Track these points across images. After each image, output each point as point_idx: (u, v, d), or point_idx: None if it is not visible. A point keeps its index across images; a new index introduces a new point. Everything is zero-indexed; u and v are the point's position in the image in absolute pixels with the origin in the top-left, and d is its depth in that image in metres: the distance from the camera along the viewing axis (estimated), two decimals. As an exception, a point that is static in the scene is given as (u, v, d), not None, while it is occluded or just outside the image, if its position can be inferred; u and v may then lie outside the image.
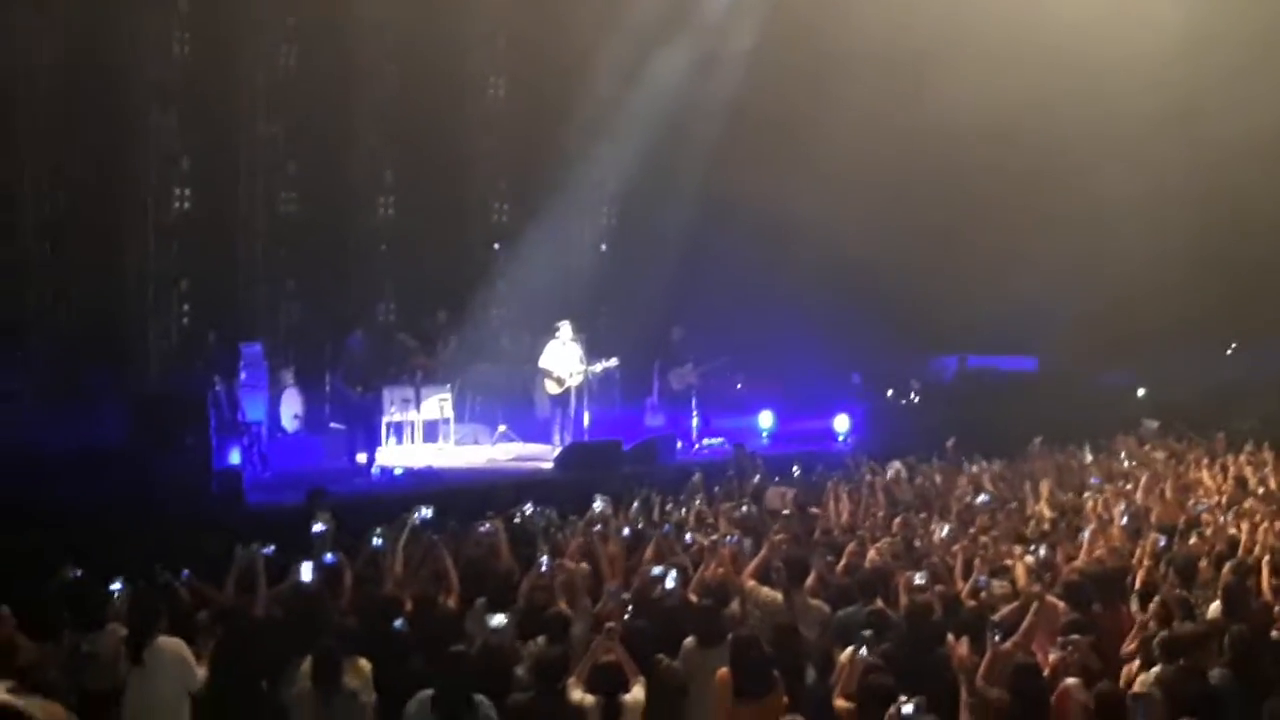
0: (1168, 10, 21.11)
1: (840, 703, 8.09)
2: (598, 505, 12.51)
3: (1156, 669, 8.13)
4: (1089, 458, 17.64)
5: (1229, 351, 25.44)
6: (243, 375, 17.01)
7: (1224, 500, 14.09)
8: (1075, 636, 8.44)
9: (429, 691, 7.63)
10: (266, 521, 12.64)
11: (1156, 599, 9.37)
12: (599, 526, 11.63)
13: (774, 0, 22.14)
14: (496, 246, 22.33)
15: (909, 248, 21.57)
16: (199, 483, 14.21)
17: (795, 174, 22.12)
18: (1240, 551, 11.03)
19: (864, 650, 8.20)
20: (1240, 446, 17.92)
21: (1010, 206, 22.32)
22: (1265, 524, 11.94)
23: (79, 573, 9.23)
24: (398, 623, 8.93)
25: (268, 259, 20.69)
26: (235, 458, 15.50)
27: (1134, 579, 10.46)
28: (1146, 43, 20.94)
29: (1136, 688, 8.04)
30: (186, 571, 9.58)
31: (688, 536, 11.69)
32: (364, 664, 8.13)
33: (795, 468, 16.16)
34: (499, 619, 8.73)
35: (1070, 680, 8.01)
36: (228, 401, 16.05)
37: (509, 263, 21.55)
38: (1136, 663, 8.55)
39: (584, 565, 10.42)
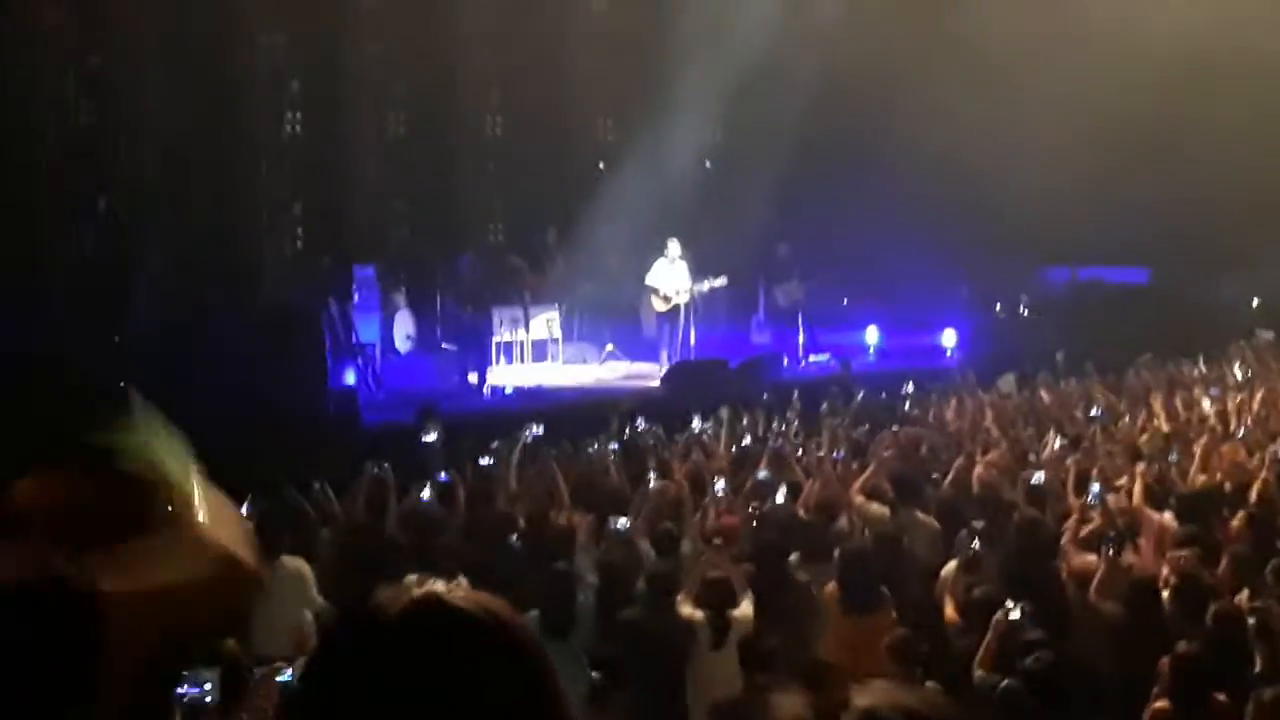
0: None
1: (949, 613, 8.13)
2: (696, 425, 12.64)
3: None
4: (1203, 370, 17.36)
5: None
6: (356, 297, 17.31)
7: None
8: (1184, 551, 8.38)
9: (534, 612, 7.76)
10: (381, 440, 12.91)
11: (1243, 514, 9.24)
12: (701, 442, 11.79)
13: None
14: (602, 165, 22.34)
15: (1018, 158, 21.19)
16: (316, 403, 14.50)
17: (902, 85, 21.83)
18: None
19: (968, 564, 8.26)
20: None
21: (1121, 116, 21.81)
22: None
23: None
24: (512, 539, 9.11)
25: (378, 181, 20.93)
26: (350, 378, 15.80)
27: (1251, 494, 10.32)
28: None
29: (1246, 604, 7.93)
30: (317, 484, 9.83)
31: (796, 452, 11.77)
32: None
33: (909, 384, 16.06)
34: (623, 521, 8.90)
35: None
36: (342, 323, 16.33)
37: (615, 181, 21.55)
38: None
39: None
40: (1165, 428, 13.09)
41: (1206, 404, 14.45)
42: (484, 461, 10.90)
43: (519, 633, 1.73)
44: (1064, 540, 9.16)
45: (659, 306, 18.77)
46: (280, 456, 11.79)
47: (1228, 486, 10.48)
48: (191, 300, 17.35)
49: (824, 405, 14.52)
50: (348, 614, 1.80)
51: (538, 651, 1.74)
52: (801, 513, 9.67)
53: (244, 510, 9.04)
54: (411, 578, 1.74)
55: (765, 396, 15.15)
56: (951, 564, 8.49)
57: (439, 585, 1.75)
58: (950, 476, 10.88)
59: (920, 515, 9.83)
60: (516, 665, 1.69)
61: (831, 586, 8.17)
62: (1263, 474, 10.63)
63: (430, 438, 11.23)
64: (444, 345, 18.48)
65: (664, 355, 18.73)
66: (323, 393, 14.79)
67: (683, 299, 18.63)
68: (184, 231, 18.26)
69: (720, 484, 10.10)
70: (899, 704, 1.36)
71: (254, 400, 13.74)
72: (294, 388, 14.49)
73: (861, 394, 14.88)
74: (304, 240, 19.89)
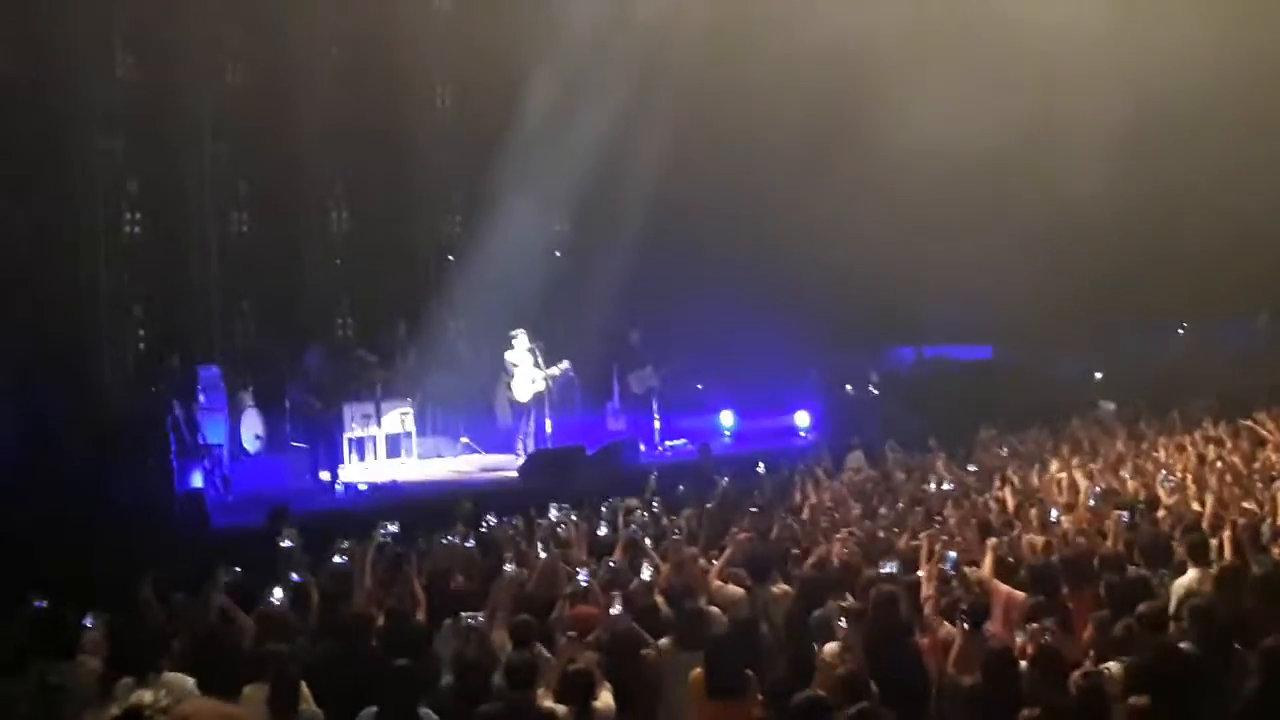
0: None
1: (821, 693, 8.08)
2: (554, 514, 12.55)
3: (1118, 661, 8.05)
4: (1049, 442, 17.74)
5: (1180, 332, 25.67)
6: (201, 398, 16.91)
7: (1186, 477, 14.16)
8: (1036, 623, 8.46)
9: (373, 709, 7.56)
10: (232, 544, 12.57)
11: (1105, 581, 9.36)
12: (557, 532, 11.72)
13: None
14: (451, 257, 22.27)
15: (864, 241, 21.61)
16: (162, 508, 14.13)
17: (749, 172, 22.20)
18: (1206, 526, 11.07)
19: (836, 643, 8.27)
20: (1196, 425, 18.05)
21: (962, 198, 22.43)
22: (1229, 499, 12.07)
23: (44, 603, 9.11)
24: (368, 640, 8.89)
25: (222, 279, 20.58)
26: (197, 481, 15.43)
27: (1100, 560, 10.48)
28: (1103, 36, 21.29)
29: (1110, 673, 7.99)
30: (178, 595, 9.55)
31: (654, 538, 11.72)
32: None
33: (760, 465, 16.13)
34: (477, 615, 8.76)
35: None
36: (187, 425, 15.95)
37: (465, 273, 21.49)
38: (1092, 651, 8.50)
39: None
40: (1012, 500, 13.29)
41: (1058, 473, 14.72)
42: (338, 560, 10.66)
43: None
44: (926, 611, 9.23)
45: (521, 397, 18.58)
46: (127, 566, 11.41)
47: (1075, 556, 10.64)
48: (31, 409, 16.80)
49: (682, 488, 14.55)
50: None
51: None
52: (659, 599, 9.60)
53: (89, 623, 8.73)
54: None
55: (623, 483, 15.10)
56: (831, 645, 8.47)
57: (146, 697, 1.67)
58: (811, 559, 10.90)
59: (775, 591, 9.89)
60: None
61: (697, 672, 8.09)
62: (1110, 542, 10.85)
63: (287, 543, 10.95)
64: (294, 443, 18.15)
65: (520, 445, 18.62)
66: (169, 498, 14.42)
67: (538, 388, 18.56)
68: (19, 338, 17.68)
69: (581, 574, 9.99)
70: None
71: (99, 509, 13.35)
72: (139, 494, 14.12)
73: (726, 479, 14.84)
74: (146, 342, 19.42)
